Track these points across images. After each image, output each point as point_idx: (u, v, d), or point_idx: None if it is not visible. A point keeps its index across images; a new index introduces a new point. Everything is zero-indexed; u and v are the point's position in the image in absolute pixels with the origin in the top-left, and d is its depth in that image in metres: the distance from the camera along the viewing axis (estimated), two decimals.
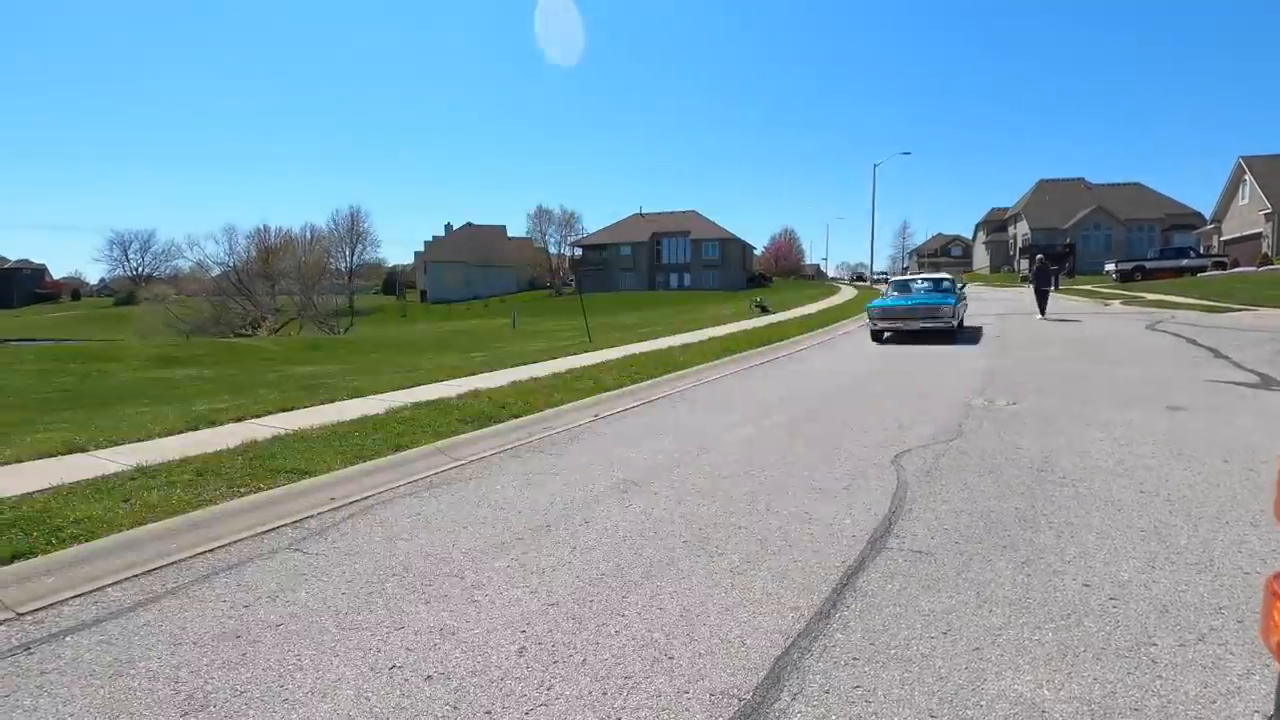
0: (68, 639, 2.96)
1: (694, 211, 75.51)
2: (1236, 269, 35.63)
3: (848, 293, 45.25)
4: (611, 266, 74.10)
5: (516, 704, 2.44)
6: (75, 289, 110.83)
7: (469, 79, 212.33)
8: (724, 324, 21.07)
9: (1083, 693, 2.40)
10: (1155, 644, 2.69)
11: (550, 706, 2.42)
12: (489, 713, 2.39)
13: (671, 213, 76.57)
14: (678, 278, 72.47)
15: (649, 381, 9.67)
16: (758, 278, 76.66)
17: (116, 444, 5.87)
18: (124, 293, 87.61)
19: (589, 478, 5.28)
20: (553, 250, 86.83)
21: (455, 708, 2.42)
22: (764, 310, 28.73)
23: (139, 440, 6.01)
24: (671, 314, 36.12)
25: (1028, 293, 26.48)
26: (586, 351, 13.73)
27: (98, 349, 26.33)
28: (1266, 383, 8.34)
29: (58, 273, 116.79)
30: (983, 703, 2.36)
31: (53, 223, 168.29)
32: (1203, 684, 2.43)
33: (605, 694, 2.48)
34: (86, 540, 3.75)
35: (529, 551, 3.84)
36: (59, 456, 5.46)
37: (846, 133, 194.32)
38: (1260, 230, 41.34)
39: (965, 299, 17.35)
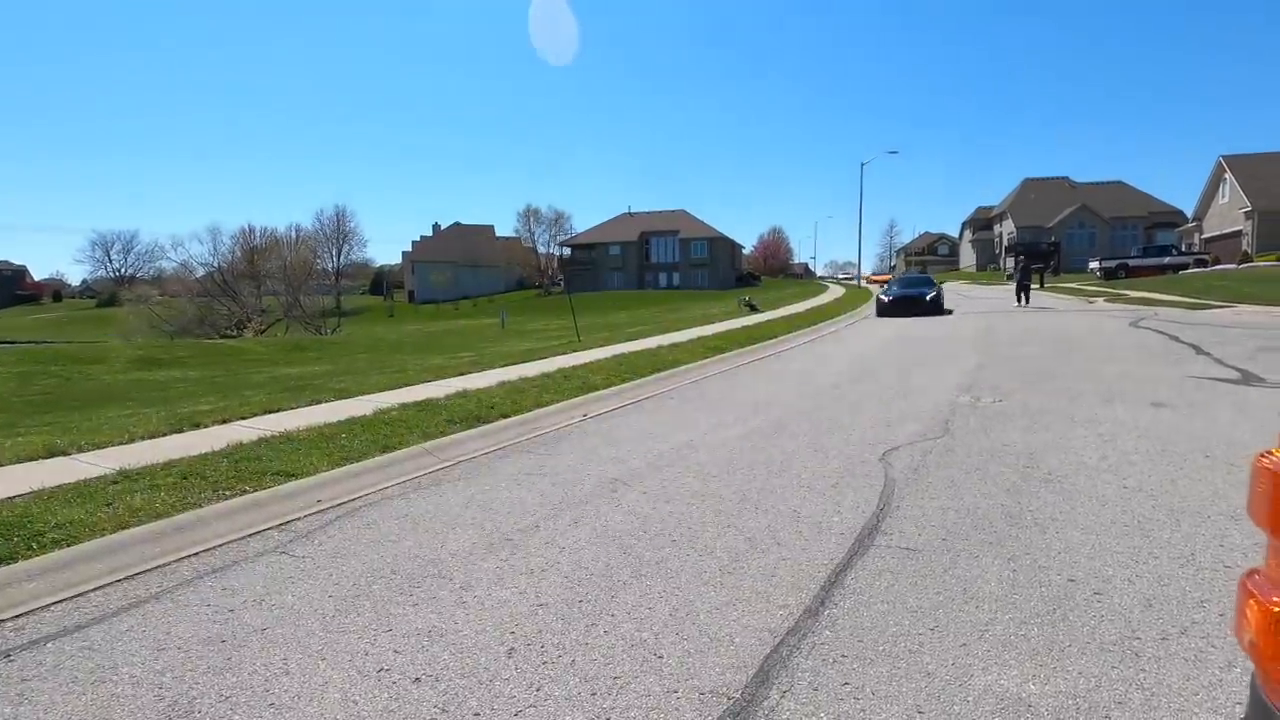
0: (49, 645, 2.92)
1: (683, 211, 75.61)
2: (1218, 266, 36.12)
3: (835, 291, 45.45)
4: (600, 266, 74.03)
5: (506, 705, 2.43)
6: (57, 290, 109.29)
7: (457, 77, 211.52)
8: (713, 323, 21.09)
9: (1068, 687, 2.42)
10: (1139, 638, 2.72)
11: (539, 707, 2.41)
12: (478, 715, 2.38)
13: (660, 212, 76.62)
14: (666, 277, 72.52)
15: (637, 381, 9.67)
16: (746, 277, 76.86)
17: (99, 447, 5.80)
18: (106, 294, 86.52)
19: (578, 478, 5.27)
20: (541, 250, 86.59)
21: (444, 710, 2.41)
22: (752, 309, 28.80)
23: (122, 443, 5.94)
24: (660, 313, 36.13)
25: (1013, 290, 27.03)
26: (575, 351, 13.71)
27: (80, 351, 25.98)
28: (1247, 379, 8.45)
29: (38, 274, 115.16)
30: (970, 698, 2.38)
31: (33, 223, 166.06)
32: (1185, 677, 2.45)
33: (595, 694, 2.48)
34: (68, 545, 3.70)
35: (518, 552, 3.83)
36: (40, 460, 5.38)
37: (835, 132, 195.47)
38: (1240, 228, 41.94)
39: None
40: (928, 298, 21.74)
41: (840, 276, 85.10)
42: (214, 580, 3.56)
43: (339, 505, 4.72)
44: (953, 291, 36.74)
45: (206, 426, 6.66)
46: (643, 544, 3.88)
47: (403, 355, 21.68)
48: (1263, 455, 1.32)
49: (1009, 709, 2.31)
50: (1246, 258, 38.30)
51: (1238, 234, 42.18)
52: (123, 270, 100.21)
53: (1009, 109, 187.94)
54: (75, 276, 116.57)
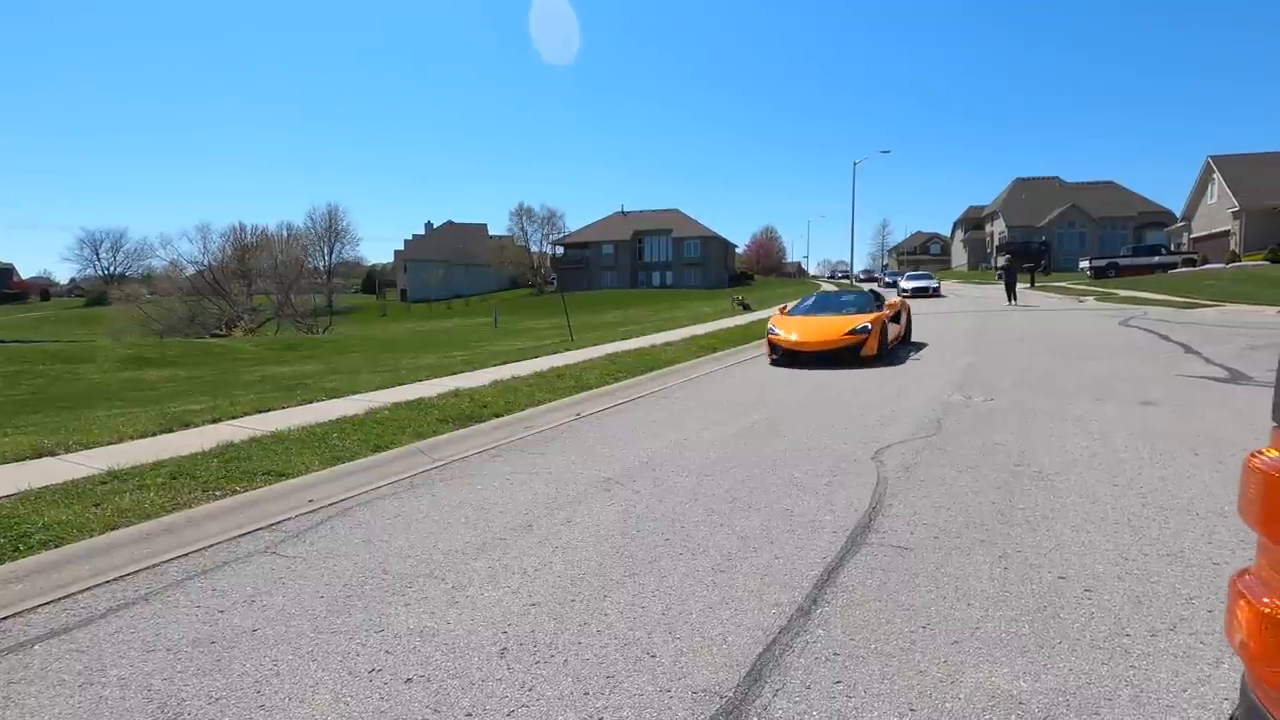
0: (36, 648, 2.89)
1: (676, 210, 75.67)
2: (1206, 266, 36.42)
3: (828, 289, 45.51)
4: (593, 265, 74.01)
5: (498, 705, 2.42)
6: (44, 289, 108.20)
7: (451, 74, 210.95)
8: (706, 322, 21.11)
9: (1059, 683, 2.43)
10: (1128, 634, 2.74)
11: (532, 707, 2.40)
12: (470, 714, 2.37)
13: (654, 211, 76.68)
14: (660, 276, 72.58)
15: (631, 380, 9.67)
16: (740, 276, 77.09)
17: (87, 447, 5.75)
18: (95, 293, 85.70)
19: (571, 477, 5.26)
20: (534, 248, 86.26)
21: (436, 710, 2.40)
22: (745, 308, 28.86)
23: (111, 443, 5.89)
24: (653, 312, 36.16)
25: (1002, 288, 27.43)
26: (568, 350, 13.69)
27: (68, 350, 25.76)
28: (1235, 377, 8.52)
29: (26, 272, 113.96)
30: (961, 695, 2.39)
31: (20, 221, 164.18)
32: (1174, 673, 2.47)
33: (587, 693, 2.47)
34: (55, 546, 3.66)
35: (510, 551, 3.82)
36: (27, 460, 5.33)
37: (828, 131, 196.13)
38: (1228, 228, 42.29)
39: None
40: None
41: (838, 275, 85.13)
42: (203, 581, 3.53)
43: (330, 505, 4.70)
44: (945, 290, 36.90)
45: (196, 426, 6.61)
46: (635, 543, 3.88)
47: (395, 354, 21.60)
48: (1254, 455, 1.31)
49: (1000, 706, 2.32)
50: (1235, 257, 38.61)
51: (1226, 234, 42.53)
52: (111, 269, 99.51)
53: (1000, 109, 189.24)
54: (63, 275, 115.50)
